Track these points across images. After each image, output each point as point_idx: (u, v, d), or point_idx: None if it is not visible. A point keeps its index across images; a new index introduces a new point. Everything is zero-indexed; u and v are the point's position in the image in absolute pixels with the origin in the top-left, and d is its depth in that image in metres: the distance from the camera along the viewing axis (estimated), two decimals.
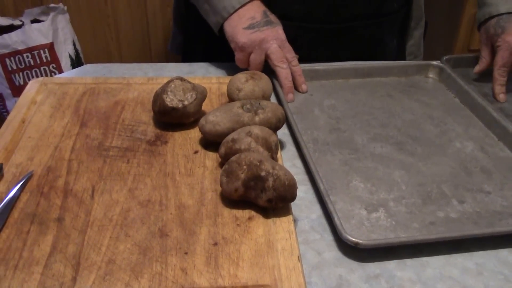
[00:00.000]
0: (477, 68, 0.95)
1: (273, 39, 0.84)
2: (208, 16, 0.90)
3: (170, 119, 0.70)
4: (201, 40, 1.06)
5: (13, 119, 0.71)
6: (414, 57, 1.08)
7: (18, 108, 0.74)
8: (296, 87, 0.87)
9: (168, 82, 0.71)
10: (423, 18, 1.08)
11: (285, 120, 0.71)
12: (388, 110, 0.84)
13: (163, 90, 0.70)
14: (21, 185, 0.59)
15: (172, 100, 0.69)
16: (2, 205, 0.56)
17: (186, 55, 1.14)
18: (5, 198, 0.57)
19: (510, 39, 0.89)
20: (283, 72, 0.85)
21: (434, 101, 0.87)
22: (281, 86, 0.85)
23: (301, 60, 0.89)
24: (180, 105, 0.69)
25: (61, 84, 0.81)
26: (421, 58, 1.11)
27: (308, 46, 0.95)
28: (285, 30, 0.88)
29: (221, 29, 0.88)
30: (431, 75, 0.94)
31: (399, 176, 0.69)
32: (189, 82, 0.71)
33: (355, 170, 0.70)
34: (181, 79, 0.71)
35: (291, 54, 0.86)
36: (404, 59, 1.10)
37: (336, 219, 0.58)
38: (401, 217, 0.62)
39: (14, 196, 0.58)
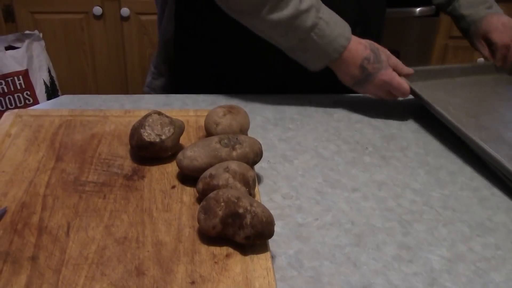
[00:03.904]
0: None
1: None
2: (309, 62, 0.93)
3: (147, 153, 0.70)
4: (189, 84, 1.07)
5: None
6: None
7: None
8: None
9: (146, 116, 0.71)
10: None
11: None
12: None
13: (141, 124, 0.70)
14: None
15: (149, 134, 0.69)
16: None
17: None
18: None
19: (503, 19, 1.08)
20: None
21: None
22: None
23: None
24: (157, 140, 0.69)
25: (37, 116, 0.80)
26: None
27: (310, 79, 0.98)
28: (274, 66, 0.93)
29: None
30: None
31: None
32: (167, 116, 0.71)
33: None
34: (159, 113, 0.71)
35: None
36: None
37: None
38: None
39: None
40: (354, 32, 0.97)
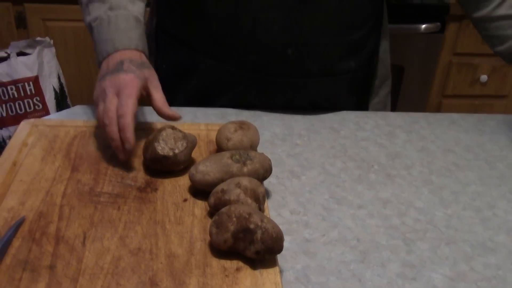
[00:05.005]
0: None
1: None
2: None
3: (160, 166, 0.72)
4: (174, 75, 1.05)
5: (4, 162, 0.73)
6: None
7: (10, 150, 0.75)
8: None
9: (160, 130, 0.73)
10: (389, 77, 1.09)
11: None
12: None
13: (155, 138, 0.72)
14: (14, 230, 0.60)
15: (163, 148, 0.71)
16: None
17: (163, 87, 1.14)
18: None
19: None
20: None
21: None
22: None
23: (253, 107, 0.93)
24: (171, 154, 0.71)
25: (52, 127, 0.82)
26: None
27: (264, 95, 0.99)
28: (240, 80, 0.94)
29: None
30: None
31: None
32: (180, 131, 0.74)
33: None
34: (172, 127, 0.74)
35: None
36: None
37: None
38: None
39: (7, 242, 0.59)
40: (286, 54, 0.91)
